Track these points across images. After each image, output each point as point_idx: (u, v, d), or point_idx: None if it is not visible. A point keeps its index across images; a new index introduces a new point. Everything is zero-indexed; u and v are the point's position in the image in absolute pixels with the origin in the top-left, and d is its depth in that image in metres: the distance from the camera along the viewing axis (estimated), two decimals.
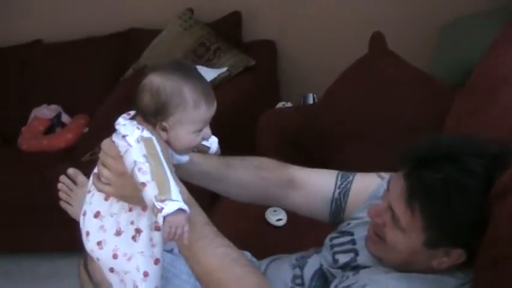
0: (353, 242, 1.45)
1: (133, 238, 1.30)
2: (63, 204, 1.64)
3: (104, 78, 3.36)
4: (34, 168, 2.89)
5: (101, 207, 1.31)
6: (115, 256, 1.30)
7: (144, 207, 1.28)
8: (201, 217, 1.28)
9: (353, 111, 2.15)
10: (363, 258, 1.38)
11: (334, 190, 1.55)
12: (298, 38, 3.30)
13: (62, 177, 1.64)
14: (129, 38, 3.43)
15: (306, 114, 2.28)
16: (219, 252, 1.24)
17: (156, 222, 1.25)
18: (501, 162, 1.18)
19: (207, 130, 1.30)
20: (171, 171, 1.22)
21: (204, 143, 1.46)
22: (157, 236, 1.30)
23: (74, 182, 1.64)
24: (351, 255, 1.41)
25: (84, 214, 1.33)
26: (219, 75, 2.91)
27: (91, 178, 1.35)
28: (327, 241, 1.50)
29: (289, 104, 2.93)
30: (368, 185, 1.52)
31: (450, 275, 1.25)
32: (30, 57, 3.54)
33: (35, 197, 2.80)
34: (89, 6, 3.52)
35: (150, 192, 1.17)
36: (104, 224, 1.31)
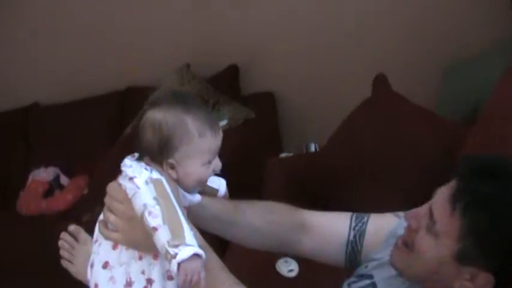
0: (373, 285, 1.37)
1: None
2: (64, 263, 1.56)
3: (102, 138, 3.32)
4: (34, 232, 2.82)
5: (109, 257, 1.24)
6: None
7: (155, 255, 1.21)
8: (216, 262, 1.21)
9: (361, 153, 2.12)
10: None
11: (349, 232, 1.47)
12: (297, 87, 3.28)
13: (63, 234, 1.57)
14: (127, 97, 3.41)
15: (313, 159, 2.24)
16: None
17: (169, 270, 1.19)
18: None
19: (217, 161, 1.24)
20: (183, 214, 1.16)
21: (212, 185, 1.41)
22: (170, 286, 1.22)
23: (76, 240, 1.56)
24: None
25: (92, 265, 1.26)
26: None
27: (97, 227, 1.28)
28: (344, 284, 1.42)
29: (292, 155, 2.88)
30: (384, 225, 1.45)
31: None
32: (28, 120, 3.51)
33: (36, 258, 2.71)
34: (85, 66, 3.50)
35: (162, 236, 1.11)
36: (113, 274, 1.23)
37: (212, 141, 1.21)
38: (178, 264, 1.08)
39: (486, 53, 2.45)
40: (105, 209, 1.25)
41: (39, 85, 3.61)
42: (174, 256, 1.08)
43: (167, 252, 1.09)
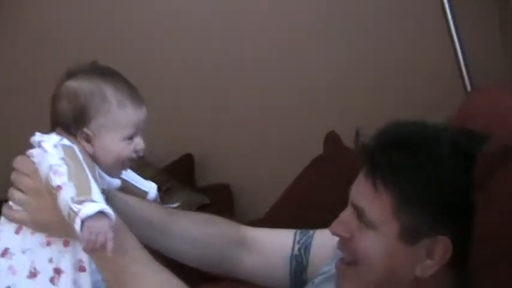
0: None
1: (52, 280, 1.07)
2: None
3: None
4: None
5: (10, 243, 1.09)
6: None
7: (66, 241, 1.07)
8: (132, 241, 1.08)
9: (309, 210, 2.00)
10: None
11: (293, 246, 1.34)
12: (254, 179, 3.20)
13: None
14: None
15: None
16: (155, 280, 1.03)
17: (81, 261, 1.07)
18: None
19: (140, 140, 1.14)
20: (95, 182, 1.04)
21: (142, 187, 1.29)
22: (83, 278, 1.08)
23: None
24: None
25: None
26: None
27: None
28: None
29: None
30: (332, 237, 1.32)
31: None
32: None
33: None
34: None
35: (66, 194, 0.99)
36: (13, 263, 1.08)
37: (133, 114, 1.12)
38: (82, 222, 0.96)
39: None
40: (10, 188, 1.12)
41: None
42: (78, 213, 0.96)
43: (70, 210, 0.97)
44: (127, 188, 1.27)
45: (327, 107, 2.92)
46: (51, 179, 1.01)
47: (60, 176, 1.01)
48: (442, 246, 1.01)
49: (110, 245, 0.98)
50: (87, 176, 1.02)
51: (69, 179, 1.00)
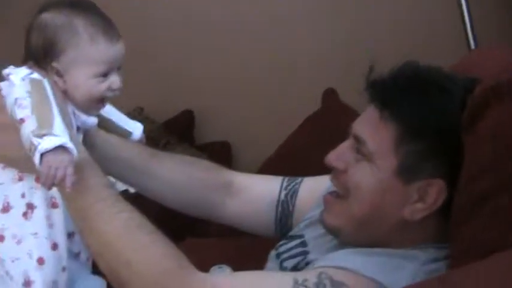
0: (303, 244, 1.20)
1: (25, 215, 1.06)
2: None
3: None
4: None
5: None
6: (1, 238, 1.05)
7: (38, 177, 1.04)
8: (99, 178, 1.05)
9: (306, 165, 1.97)
10: (316, 255, 1.14)
11: (280, 192, 1.33)
12: (253, 137, 3.17)
13: None
14: None
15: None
16: (120, 218, 1.01)
17: (53, 197, 1.05)
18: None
19: (115, 78, 1.09)
20: (60, 115, 1.01)
21: (125, 126, 1.27)
22: (56, 215, 1.07)
23: None
24: (300, 258, 1.16)
25: None
26: None
27: None
28: (272, 252, 1.25)
29: None
30: (320, 184, 1.30)
31: (421, 250, 1.01)
32: None
33: None
34: None
35: (28, 127, 0.96)
36: None
37: (106, 49, 1.07)
38: (41, 156, 0.93)
39: None
40: None
41: None
42: (37, 146, 0.94)
43: (31, 143, 0.94)
44: (110, 127, 1.25)
45: (326, 64, 2.87)
46: (14, 113, 0.98)
47: (23, 109, 0.98)
48: (436, 190, 0.99)
49: (68, 180, 0.95)
50: (51, 109, 0.99)
51: (32, 112, 0.97)
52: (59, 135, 0.95)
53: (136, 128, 1.27)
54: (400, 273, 0.96)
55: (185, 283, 0.94)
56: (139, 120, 3.08)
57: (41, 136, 0.94)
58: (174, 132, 3.05)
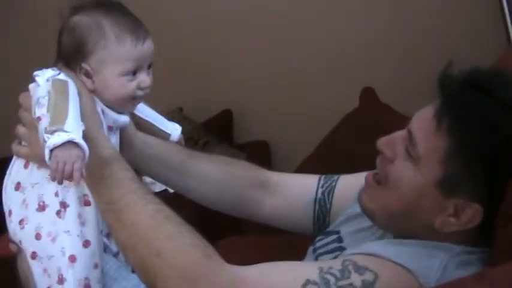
0: (339, 239, 1.21)
1: (58, 214, 1.07)
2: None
3: None
4: None
5: (20, 177, 1.11)
6: (38, 236, 1.08)
7: None
8: (127, 172, 1.06)
9: (345, 163, 1.98)
10: (352, 249, 1.14)
11: (317, 189, 1.33)
12: (292, 137, 3.18)
13: None
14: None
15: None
16: (149, 209, 1.02)
17: (86, 195, 1.07)
18: None
19: (144, 77, 1.10)
20: (79, 112, 1.03)
21: (164, 128, 1.29)
22: (88, 213, 1.09)
23: None
24: (337, 253, 1.16)
25: (5, 189, 1.12)
26: None
27: None
28: (310, 247, 1.26)
29: None
30: (358, 180, 1.28)
31: (455, 243, 1.01)
32: None
33: None
34: None
35: (42, 124, 0.99)
36: (26, 197, 1.09)
37: (133, 49, 1.08)
38: (51, 152, 0.95)
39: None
40: (19, 124, 1.13)
41: None
42: (47, 142, 0.96)
43: (44, 140, 0.97)
44: (149, 129, 1.26)
45: (364, 63, 2.87)
46: (34, 113, 1.02)
47: (41, 108, 1.00)
48: (472, 212, 0.98)
49: (76, 175, 0.96)
50: (66, 107, 1.01)
51: (48, 110, 1.00)
52: (70, 132, 0.97)
53: (174, 130, 1.29)
54: (430, 261, 0.95)
55: (213, 272, 0.94)
56: (179, 121, 3.13)
57: (51, 132, 0.97)
58: (213, 132, 3.09)
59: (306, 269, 0.98)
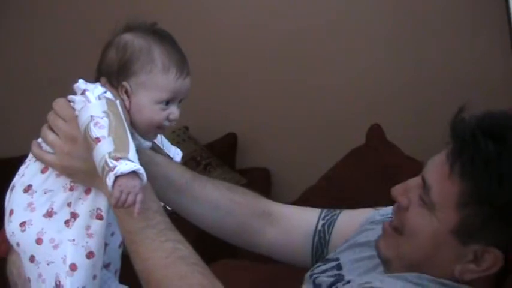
0: (338, 266, 1.18)
1: (67, 223, 1.07)
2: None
3: None
4: None
5: (34, 181, 1.09)
6: (39, 241, 1.07)
7: (88, 189, 1.07)
8: (154, 203, 1.06)
9: (347, 197, 1.97)
10: (351, 276, 1.13)
11: (318, 222, 1.31)
12: (293, 166, 3.18)
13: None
14: None
15: None
16: (166, 248, 1.02)
17: (99, 209, 1.07)
18: None
19: (175, 109, 1.11)
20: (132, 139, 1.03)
21: (167, 151, 1.28)
22: (96, 226, 1.08)
23: None
24: (335, 278, 1.15)
25: (12, 188, 1.11)
26: None
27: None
28: (307, 274, 1.24)
29: None
30: (359, 215, 1.28)
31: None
32: None
33: None
34: None
35: (103, 148, 0.98)
36: (33, 201, 1.08)
37: (174, 80, 1.10)
38: (115, 179, 0.95)
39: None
40: (44, 127, 1.11)
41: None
42: (112, 169, 0.95)
43: (106, 164, 0.97)
44: (153, 150, 1.26)
45: (373, 100, 2.87)
46: (90, 130, 1.00)
47: (100, 129, 1.00)
48: (492, 259, 0.95)
49: (137, 207, 0.97)
50: (126, 133, 1.02)
51: (109, 133, 1.00)
52: (134, 161, 0.98)
53: (176, 155, 1.28)
54: None
55: None
56: (183, 139, 3.14)
57: (117, 159, 0.97)
58: (216, 154, 3.08)
59: None
